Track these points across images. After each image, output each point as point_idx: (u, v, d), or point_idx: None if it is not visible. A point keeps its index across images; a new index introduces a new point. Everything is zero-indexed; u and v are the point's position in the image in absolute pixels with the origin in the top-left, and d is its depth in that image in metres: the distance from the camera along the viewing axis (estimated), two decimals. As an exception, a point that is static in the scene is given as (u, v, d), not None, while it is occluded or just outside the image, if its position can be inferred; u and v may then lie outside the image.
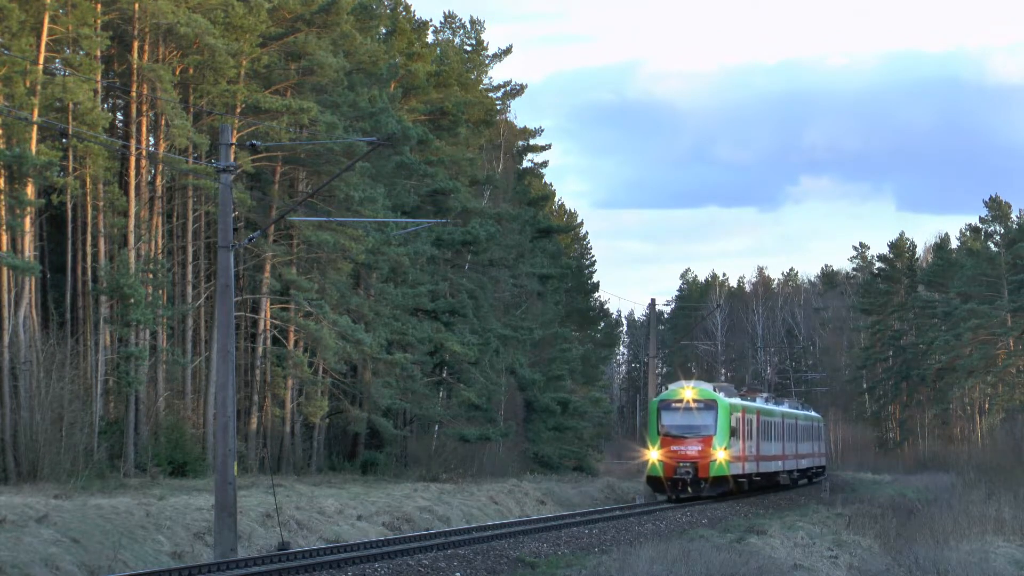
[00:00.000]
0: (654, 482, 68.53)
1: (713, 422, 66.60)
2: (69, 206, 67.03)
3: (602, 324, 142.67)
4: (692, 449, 65.55)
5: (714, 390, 70.63)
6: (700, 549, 37.17)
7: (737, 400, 74.38)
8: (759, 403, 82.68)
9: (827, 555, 42.43)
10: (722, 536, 41.68)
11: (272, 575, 32.76)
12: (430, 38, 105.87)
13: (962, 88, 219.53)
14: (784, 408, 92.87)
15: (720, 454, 65.46)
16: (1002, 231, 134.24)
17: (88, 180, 67.05)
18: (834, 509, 65.50)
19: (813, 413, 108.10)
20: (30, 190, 63.83)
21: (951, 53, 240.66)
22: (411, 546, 39.56)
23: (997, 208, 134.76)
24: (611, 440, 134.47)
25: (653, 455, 66.81)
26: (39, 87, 63.20)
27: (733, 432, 67.47)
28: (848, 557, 42.59)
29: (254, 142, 60.51)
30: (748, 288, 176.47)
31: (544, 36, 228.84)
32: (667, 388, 75.17)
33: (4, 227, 62.73)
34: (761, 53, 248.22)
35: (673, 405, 67.67)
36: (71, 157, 65.55)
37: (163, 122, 70.65)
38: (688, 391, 67.89)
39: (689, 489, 66.41)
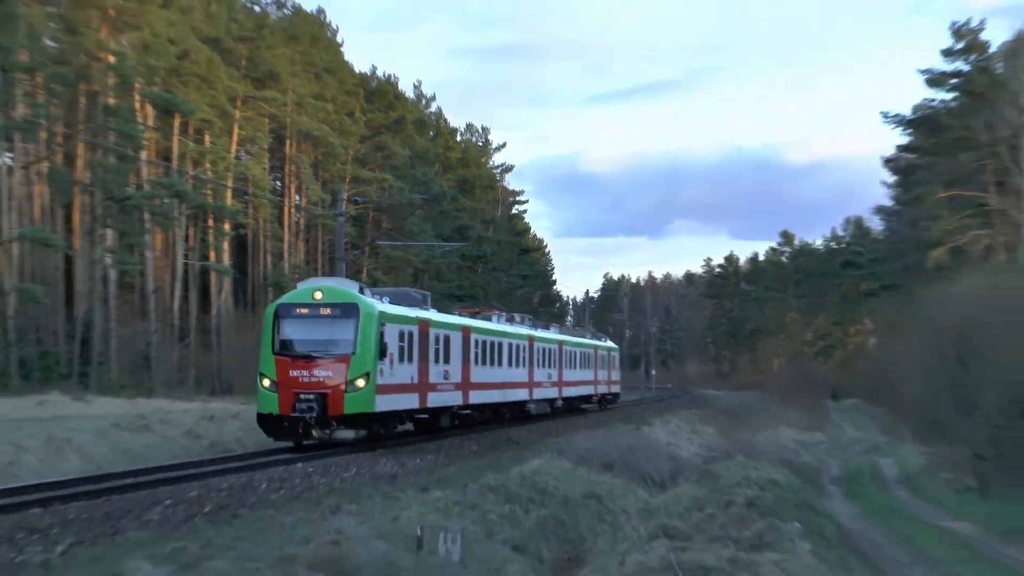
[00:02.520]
0: (267, 422, 29.12)
1: (352, 335, 28.90)
2: (249, 235, 67.56)
3: (557, 305, 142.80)
4: (320, 374, 28.77)
5: (361, 291, 30.53)
6: (614, 434, 35.91)
7: (399, 308, 31.75)
8: (487, 321, 41.68)
9: (687, 437, 42.33)
10: (626, 426, 41.42)
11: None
12: (459, 137, 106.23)
13: (769, 167, 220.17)
14: (545, 332, 49.59)
15: (361, 381, 28.49)
16: (789, 251, 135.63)
17: (260, 220, 67.50)
18: (692, 411, 60.28)
19: (605, 343, 64.03)
20: (227, 226, 64.47)
21: (762, 145, 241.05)
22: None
23: (787, 237, 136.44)
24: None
25: (265, 383, 29.07)
26: (232, 166, 63.81)
27: (386, 351, 29.28)
28: (699, 438, 42.44)
29: (356, 198, 61.04)
30: (643, 284, 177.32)
31: (527, 136, 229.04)
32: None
33: (212, 247, 63.22)
34: (650, 146, 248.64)
35: (297, 311, 29.80)
36: (250, 207, 66.03)
37: (304, 187, 71.12)
38: (319, 292, 29.81)
39: (315, 433, 28.30)
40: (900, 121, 73.42)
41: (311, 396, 25.65)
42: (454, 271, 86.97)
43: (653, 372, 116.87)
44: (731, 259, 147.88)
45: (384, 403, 27.09)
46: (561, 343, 49.56)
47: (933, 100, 70.31)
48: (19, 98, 49.95)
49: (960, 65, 67.71)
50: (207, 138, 63.22)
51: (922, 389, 44.15)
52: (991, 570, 16.93)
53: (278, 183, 73.28)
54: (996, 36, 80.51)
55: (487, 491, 19.01)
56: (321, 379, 26.04)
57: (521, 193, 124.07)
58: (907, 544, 20.27)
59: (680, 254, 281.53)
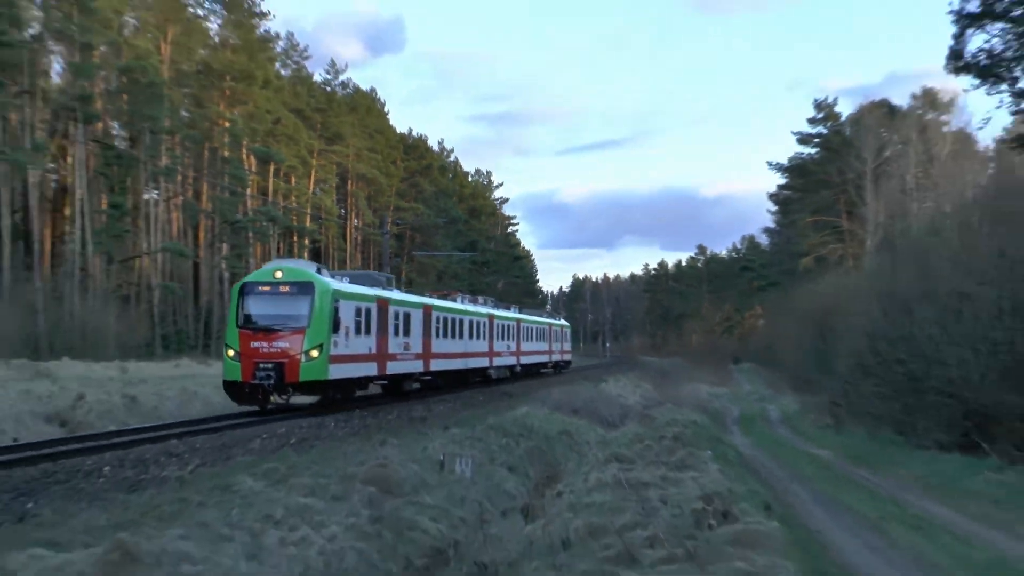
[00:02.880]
0: (232, 389, 20.53)
1: (308, 310, 20.21)
2: (322, 247, 67.32)
3: (539, 297, 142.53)
4: (278, 345, 19.96)
5: (319, 271, 21.71)
6: (579, 389, 35.21)
7: (358, 288, 23.09)
8: (452, 301, 33.75)
9: (631, 391, 41.16)
10: (587, 383, 40.70)
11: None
12: (470, 178, 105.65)
13: (689, 199, 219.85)
14: (505, 312, 41.53)
15: (315, 352, 20.00)
16: (703, 258, 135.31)
17: (330, 237, 67.35)
18: (635, 373, 58.23)
19: (559, 321, 55.09)
20: (306, 241, 64.17)
21: (684, 184, 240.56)
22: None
23: (701, 249, 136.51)
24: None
25: (230, 353, 20.34)
26: (310, 199, 63.57)
27: (340, 324, 20.81)
28: (640, 392, 41.28)
29: (397, 221, 60.72)
30: (600, 282, 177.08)
31: (518, 177, 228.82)
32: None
33: (296, 256, 62.89)
34: (605, 185, 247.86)
35: (260, 289, 20.70)
36: (322, 227, 65.87)
37: (360, 213, 70.96)
38: (279, 272, 21.09)
39: (272, 398, 20.71)
40: (779, 167, 73.78)
41: (270, 365, 20.22)
42: (466, 273, 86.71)
43: (607, 345, 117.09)
44: (662, 264, 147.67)
45: (338, 371, 21.36)
46: (519, 320, 42.34)
47: (802, 153, 70.97)
48: (163, 152, 50.18)
49: (821, 129, 68.29)
50: (293, 179, 63.14)
51: (795, 356, 44.36)
52: (841, 483, 16.95)
53: (342, 210, 73.13)
54: (845, 109, 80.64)
55: (490, 429, 18.95)
56: (279, 349, 20.44)
57: (514, 218, 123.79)
58: (785, 465, 20.28)
59: (627, 261, 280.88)
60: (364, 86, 79.54)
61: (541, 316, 50.85)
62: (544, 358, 48.70)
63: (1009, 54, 21.38)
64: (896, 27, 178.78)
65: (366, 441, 16.10)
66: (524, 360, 43.67)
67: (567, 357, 55.92)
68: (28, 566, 7.15)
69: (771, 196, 79.99)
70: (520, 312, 45.08)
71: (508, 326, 40.05)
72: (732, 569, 6.45)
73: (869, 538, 11.54)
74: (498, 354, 38.20)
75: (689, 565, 6.49)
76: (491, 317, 36.96)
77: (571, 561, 7.11)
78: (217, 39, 57.02)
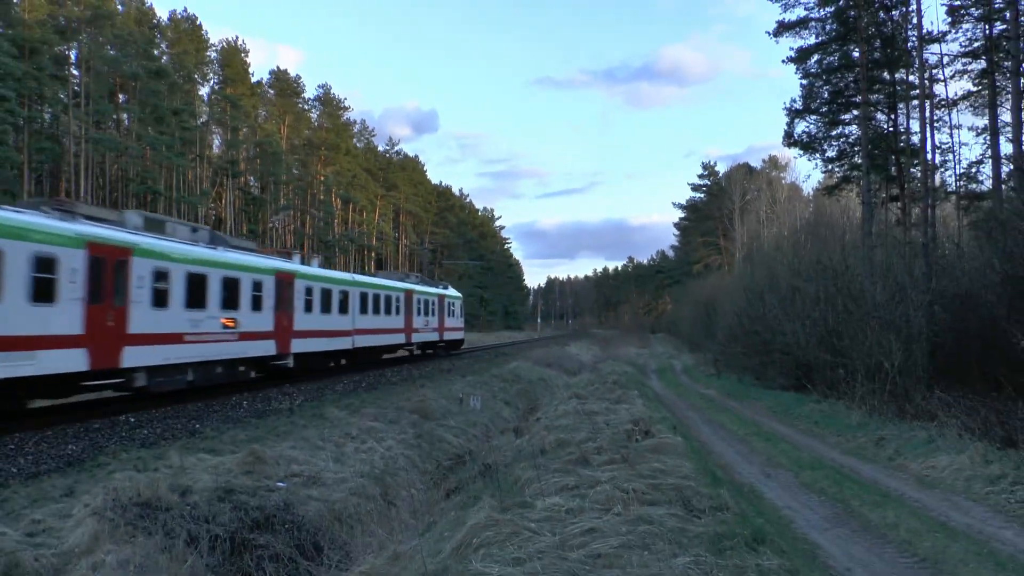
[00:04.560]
0: None
1: None
2: (383, 259, 66.45)
3: (525, 291, 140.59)
4: None
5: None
6: (551, 350, 32.87)
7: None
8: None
9: (586, 351, 39.10)
10: (557, 344, 39.53)
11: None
12: (480, 213, 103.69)
13: (624, 227, 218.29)
14: (253, 258, 11.51)
15: None
16: (632, 265, 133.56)
17: (387, 251, 66.16)
18: (587, 340, 53.98)
19: (434, 289, 24.08)
20: (373, 254, 63.08)
21: (620, 216, 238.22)
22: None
23: (631, 259, 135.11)
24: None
25: None
26: (376, 227, 62.46)
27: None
28: (591, 352, 39.21)
29: (432, 241, 59.68)
30: (565, 280, 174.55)
31: (512, 212, 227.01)
32: None
33: (365, 264, 61.93)
34: (569, 217, 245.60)
35: None
36: (384, 245, 65.08)
37: (408, 235, 70.12)
38: None
39: None
40: (680, 206, 74.50)
41: None
42: (478, 275, 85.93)
43: (570, 322, 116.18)
44: (605, 269, 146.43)
45: None
46: (312, 277, 16.29)
47: (695, 196, 71.02)
48: (281, 196, 49.99)
49: (706, 181, 68.32)
50: (364, 214, 62.50)
51: (690, 328, 44.25)
52: (720, 411, 16.89)
53: (396, 234, 72.46)
54: (721, 168, 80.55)
55: (492, 377, 18.84)
56: None
57: (508, 239, 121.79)
58: (685, 400, 20.21)
59: (582, 267, 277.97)
60: (411, 154, 78.86)
61: (402, 282, 23.41)
62: (397, 338, 21.58)
63: (820, 135, 22.61)
64: (755, 117, 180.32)
65: (411, 384, 15.94)
66: (321, 345, 16.75)
67: (455, 335, 27.94)
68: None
69: (675, 224, 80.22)
70: (327, 270, 18.54)
71: (257, 282, 13.66)
72: (651, 467, 6.38)
73: (738, 446, 11.53)
74: (218, 339, 12.42)
75: (624, 465, 6.43)
76: (325, 281, 15.57)
77: (546, 463, 7.04)
78: (316, 123, 56.78)
